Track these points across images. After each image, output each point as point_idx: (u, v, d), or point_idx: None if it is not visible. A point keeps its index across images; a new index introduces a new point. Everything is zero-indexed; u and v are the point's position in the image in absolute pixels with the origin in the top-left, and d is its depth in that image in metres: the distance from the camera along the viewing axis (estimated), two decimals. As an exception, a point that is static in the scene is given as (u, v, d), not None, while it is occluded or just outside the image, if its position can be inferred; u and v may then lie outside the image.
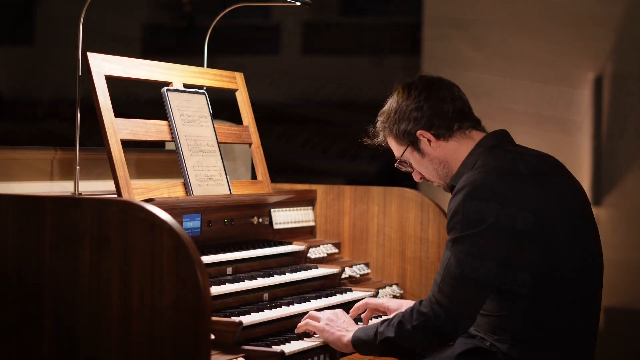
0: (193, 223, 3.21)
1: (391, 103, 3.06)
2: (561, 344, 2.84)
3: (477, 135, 3.00)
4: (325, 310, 3.08)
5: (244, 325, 2.82)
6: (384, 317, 3.06)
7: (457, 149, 2.99)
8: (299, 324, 3.06)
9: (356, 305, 3.26)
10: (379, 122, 3.12)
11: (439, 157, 3.00)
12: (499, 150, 2.93)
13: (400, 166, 3.11)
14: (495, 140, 2.98)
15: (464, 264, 2.76)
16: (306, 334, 3.04)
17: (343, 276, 3.62)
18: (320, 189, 3.92)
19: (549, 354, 2.84)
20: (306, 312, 3.14)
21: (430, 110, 2.97)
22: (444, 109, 2.98)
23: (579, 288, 2.86)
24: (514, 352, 2.84)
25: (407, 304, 3.18)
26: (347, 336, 2.97)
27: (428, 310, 2.79)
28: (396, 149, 3.09)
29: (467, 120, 3.00)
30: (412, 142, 3.01)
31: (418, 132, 2.99)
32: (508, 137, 3.02)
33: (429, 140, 2.99)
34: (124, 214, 2.52)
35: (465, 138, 2.99)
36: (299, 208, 3.81)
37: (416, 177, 3.10)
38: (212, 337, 2.71)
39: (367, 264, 3.83)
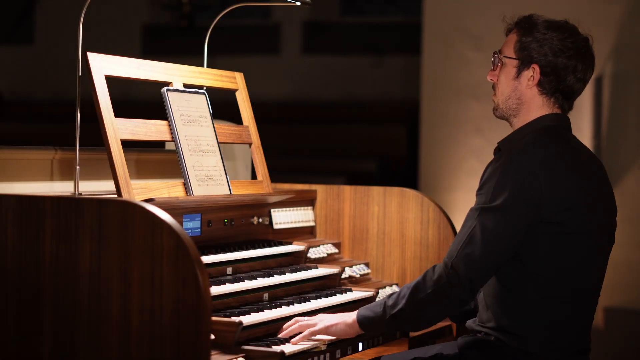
0: (193, 223, 3.21)
1: (548, 24, 3.00)
2: (564, 337, 2.89)
3: (555, 112, 3.01)
4: (315, 316, 3.06)
5: (244, 325, 2.82)
6: (387, 294, 3.06)
7: (536, 107, 3.00)
8: (289, 328, 2.99)
9: None
10: (523, 21, 3.04)
11: (522, 94, 3.00)
12: (552, 134, 2.95)
13: (494, 57, 3.08)
14: (555, 122, 2.99)
15: (489, 237, 2.81)
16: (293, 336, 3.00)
17: (343, 276, 3.62)
18: (320, 189, 3.92)
19: (552, 347, 2.88)
20: (306, 312, 3.14)
21: (560, 65, 2.96)
22: (567, 78, 2.97)
23: (584, 282, 2.91)
24: (518, 344, 2.87)
25: None
26: (352, 317, 2.98)
27: (443, 276, 2.84)
28: (508, 49, 3.04)
29: (566, 100, 3.01)
30: (522, 62, 2.99)
31: (534, 65, 2.97)
32: (568, 124, 3.03)
33: (532, 77, 2.98)
34: (124, 214, 2.52)
35: (549, 107, 3.00)
36: (299, 208, 3.81)
37: (490, 77, 3.08)
38: (212, 337, 2.71)
39: (367, 264, 3.83)
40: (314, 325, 2.99)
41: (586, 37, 3.01)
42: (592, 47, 3.02)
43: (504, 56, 3.04)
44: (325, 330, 2.98)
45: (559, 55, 2.95)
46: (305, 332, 2.96)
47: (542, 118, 2.99)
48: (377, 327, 2.98)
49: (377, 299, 3.53)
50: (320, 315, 3.05)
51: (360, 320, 2.97)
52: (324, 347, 2.96)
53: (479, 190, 2.90)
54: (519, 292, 2.88)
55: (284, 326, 3.00)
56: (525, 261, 2.86)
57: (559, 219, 2.83)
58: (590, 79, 3.04)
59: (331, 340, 3.01)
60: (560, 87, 2.98)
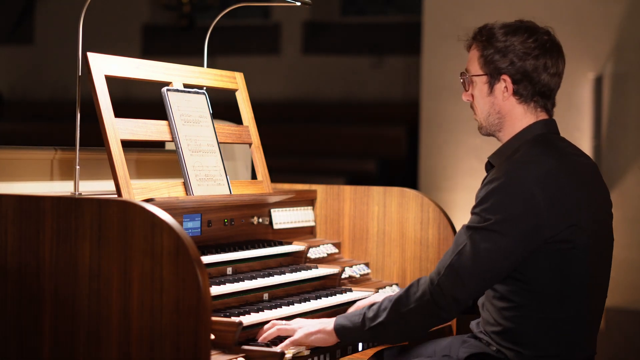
0: (193, 223, 3.21)
1: (505, 30, 2.92)
2: (569, 349, 2.82)
3: (540, 117, 2.94)
4: (291, 321, 2.97)
5: (244, 325, 2.82)
6: (368, 303, 3.01)
7: (519, 117, 2.92)
8: (267, 332, 2.90)
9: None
10: (480, 34, 2.96)
11: (500, 107, 2.92)
12: (544, 144, 2.87)
13: (462, 79, 3.00)
14: (544, 129, 2.92)
15: (480, 258, 2.73)
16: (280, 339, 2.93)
17: (343, 276, 3.62)
18: (320, 189, 3.92)
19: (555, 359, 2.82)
20: (306, 312, 3.14)
21: (529, 68, 2.87)
22: (540, 78, 2.88)
23: (590, 296, 2.84)
24: (520, 358, 2.81)
25: None
26: (331, 324, 2.90)
27: (427, 293, 2.77)
28: (474, 67, 2.97)
29: (547, 99, 2.93)
30: (491, 76, 2.91)
31: (504, 75, 2.90)
32: (556, 129, 2.96)
33: (505, 88, 2.90)
34: (124, 214, 2.52)
35: (532, 114, 2.92)
36: (299, 208, 3.81)
37: (465, 98, 3.01)
38: (212, 337, 2.71)
39: (367, 264, 3.83)
40: (292, 332, 2.90)
41: (546, 30, 2.93)
42: (555, 36, 2.94)
43: (472, 75, 2.96)
44: (305, 338, 2.89)
45: (525, 59, 2.87)
46: (287, 342, 2.86)
47: (529, 128, 2.90)
48: (354, 337, 2.91)
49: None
50: (299, 321, 2.95)
51: (337, 329, 2.89)
52: (306, 353, 2.89)
53: (474, 208, 2.79)
54: (524, 308, 2.79)
55: (265, 328, 2.91)
56: (530, 280, 2.77)
57: (563, 237, 2.74)
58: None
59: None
60: (537, 89, 2.89)
